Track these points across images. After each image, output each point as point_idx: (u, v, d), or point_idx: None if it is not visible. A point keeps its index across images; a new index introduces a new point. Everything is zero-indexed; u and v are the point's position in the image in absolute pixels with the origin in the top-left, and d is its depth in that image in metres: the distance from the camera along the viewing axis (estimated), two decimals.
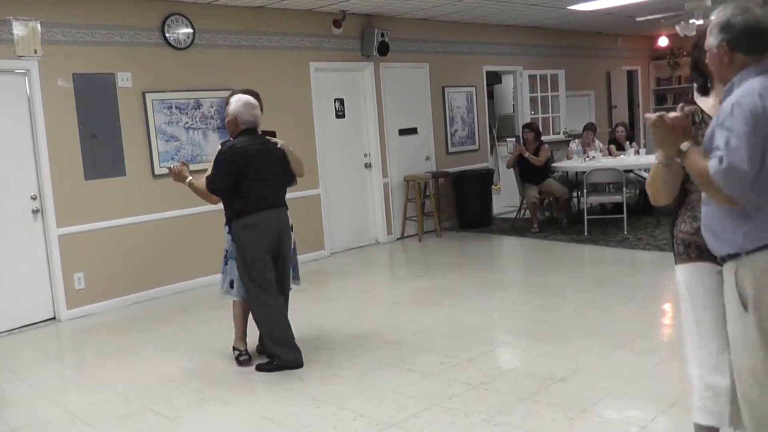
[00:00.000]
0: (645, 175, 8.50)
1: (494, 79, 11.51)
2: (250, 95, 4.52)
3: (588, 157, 8.87)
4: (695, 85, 2.55)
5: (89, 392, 4.32)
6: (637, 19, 10.30)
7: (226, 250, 4.55)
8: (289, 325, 4.43)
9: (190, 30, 6.81)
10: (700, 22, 8.28)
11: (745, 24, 2.24)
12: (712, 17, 2.32)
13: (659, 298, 5.58)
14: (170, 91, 6.71)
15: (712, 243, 2.31)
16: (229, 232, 4.46)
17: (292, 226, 4.60)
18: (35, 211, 5.96)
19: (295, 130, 7.59)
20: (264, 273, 4.32)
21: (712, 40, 2.29)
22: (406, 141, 9.06)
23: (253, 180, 4.27)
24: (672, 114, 2.28)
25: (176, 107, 6.75)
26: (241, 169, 4.23)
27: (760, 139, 2.07)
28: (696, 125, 2.41)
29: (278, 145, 4.48)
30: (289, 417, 3.66)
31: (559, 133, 11.31)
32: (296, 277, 4.75)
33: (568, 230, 8.51)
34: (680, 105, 2.35)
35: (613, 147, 9.75)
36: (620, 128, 10.18)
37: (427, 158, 9.34)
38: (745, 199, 2.12)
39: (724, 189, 2.12)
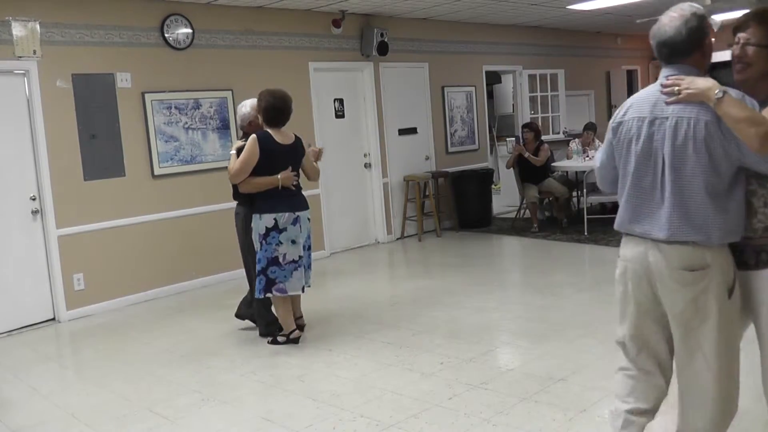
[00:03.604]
0: None
1: (494, 78, 11.51)
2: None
3: (588, 156, 8.86)
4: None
5: (89, 393, 4.32)
6: (638, 20, 10.29)
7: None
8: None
9: (189, 30, 6.81)
10: None
11: None
12: None
13: None
14: (169, 92, 6.70)
15: None
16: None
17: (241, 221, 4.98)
18: (35, 212, 5.95)
19: (295, 130, 7.55)
20: None
21: None
22: (405, 141, 9.05)
23: None
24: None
25: (176, 107, 6.75)
26: None
27: None
28: None
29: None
30: (288, 417, 3.66)
31: (558, 133, 11.30)
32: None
33: (568, 230, 8.51)
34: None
35: None
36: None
37: (427, 158, 9.34)
38: None
39: None
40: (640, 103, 2.41)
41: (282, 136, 4.79)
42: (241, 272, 6.88)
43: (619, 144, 2.47)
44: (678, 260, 2.29)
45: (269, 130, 4.75)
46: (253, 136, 4.70)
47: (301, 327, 5.06)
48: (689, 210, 2.27)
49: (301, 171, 4.97)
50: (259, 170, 4.68)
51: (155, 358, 4.87)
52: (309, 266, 4.96)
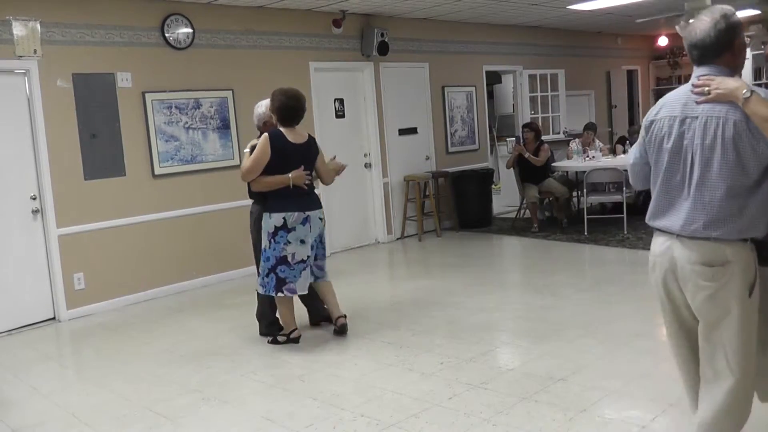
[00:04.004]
0: None
1: (494, 78, 11.51)
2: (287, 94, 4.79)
3: (588, 156, 8.87)
4: None
5: (89, 393, 4.32)
6: (637, 20, 10.29)
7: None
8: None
9: (189, 30, 6.81)
10: None
11: None
12: None
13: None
14: (170, 91, 6.70)
15: None
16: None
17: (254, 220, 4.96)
18: (35, 211, 5.95)
19: None
20: None
21: None
22: (405, 141, 9.05)
23: None
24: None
25: (176, 107, 6.75)
26: None
27: None
28: None
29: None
30: (289, 417, 3.66)
31: (559, 133, 11.30)
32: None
33: (568, 230, 8.50)
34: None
35: (620, 146, 9.71)
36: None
37: (427, 158, 9.34)
38: None
39: None
40: (672, 103, 2.49)
41: (295, 135, 4.73)
42: (242, 272, 6.91)
43: (651, 142, 2.54)
44: (698, 255, 2.36)
45: (282, 129, 4.70)
46: (265, 134, 4.68)
47: (344, 327, 4.93)
48: (711, 206, 2.33)
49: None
50: (271, 169, 4.64)
51: (155, 358, 4.87)
52: (319, 266, 4.98)
